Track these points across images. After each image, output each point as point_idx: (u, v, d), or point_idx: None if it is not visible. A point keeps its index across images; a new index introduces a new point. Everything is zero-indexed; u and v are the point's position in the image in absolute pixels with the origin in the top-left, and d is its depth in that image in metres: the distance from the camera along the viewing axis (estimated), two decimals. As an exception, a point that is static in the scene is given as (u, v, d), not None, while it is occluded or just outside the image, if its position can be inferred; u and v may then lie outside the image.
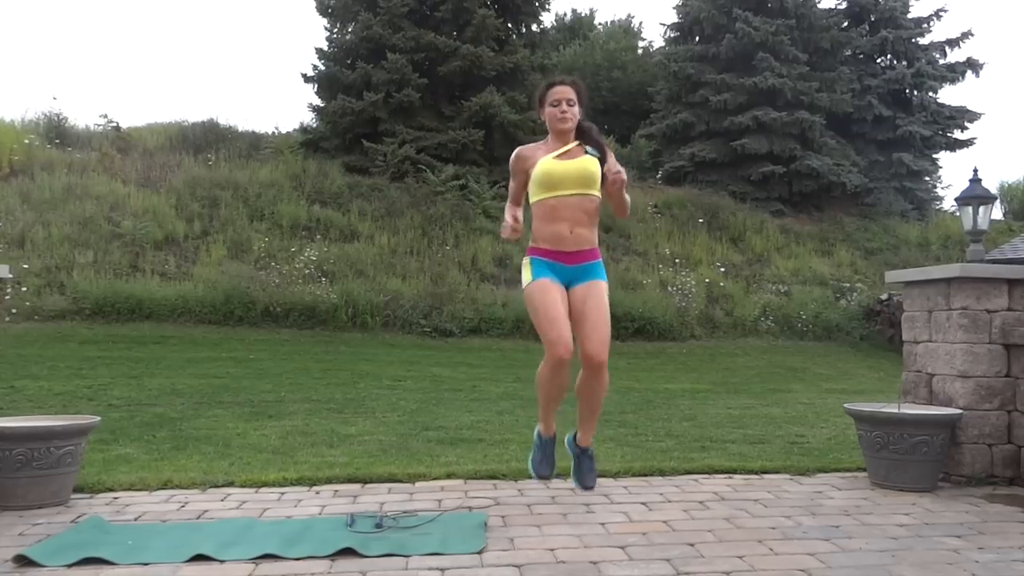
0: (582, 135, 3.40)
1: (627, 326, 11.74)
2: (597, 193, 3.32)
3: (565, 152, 3.34)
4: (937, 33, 34.45)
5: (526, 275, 3.32)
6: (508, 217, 3.32)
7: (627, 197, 3.37)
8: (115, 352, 8.85)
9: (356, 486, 3.76)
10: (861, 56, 20.03)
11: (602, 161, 3.33)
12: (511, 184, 3.46)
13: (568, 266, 3.29)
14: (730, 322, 12.78)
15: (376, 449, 4.83)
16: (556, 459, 3.57)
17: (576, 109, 3.36)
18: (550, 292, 3.23)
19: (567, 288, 3.30)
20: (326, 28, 16.99)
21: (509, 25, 16.86)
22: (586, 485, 3.47)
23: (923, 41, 19.96)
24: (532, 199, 3.36)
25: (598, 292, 3.31)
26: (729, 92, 17.96)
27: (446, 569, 2.58)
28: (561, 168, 3.28)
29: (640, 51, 25.85)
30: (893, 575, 2.55)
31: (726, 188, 17.71)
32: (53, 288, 10.52)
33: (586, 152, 3.34)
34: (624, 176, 3.27)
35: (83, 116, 39.54)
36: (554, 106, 3.35)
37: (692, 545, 2.83)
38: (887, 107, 19.07)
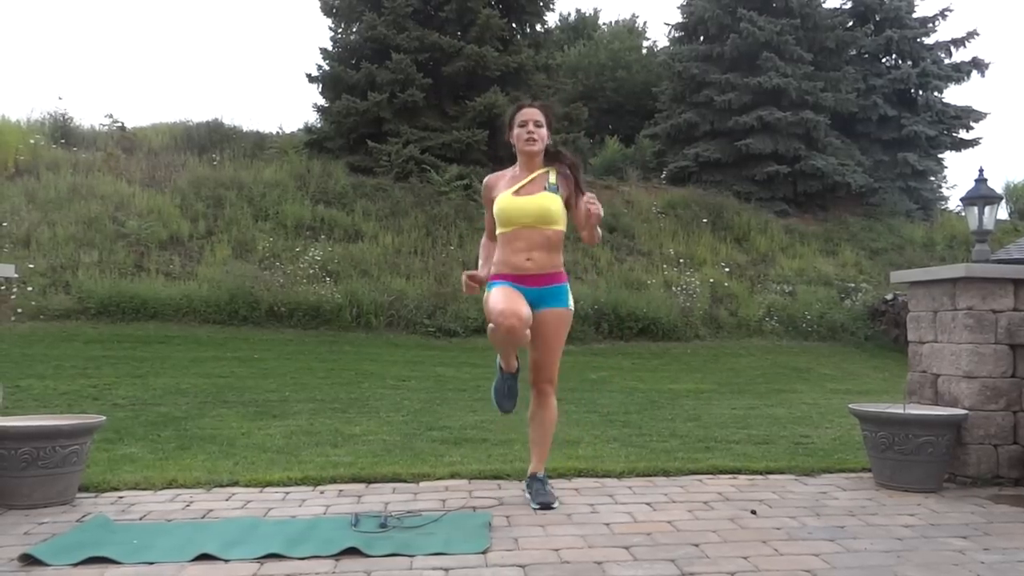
0: (552, 158, 3.45)
1: (631, 326, 11.75)
2: (557, 227, 3.36)
3: (526, 185, 3.38)
4: (942, 33, 34.31)
5: (485, 295, 3.37)
6: (464, 278, 3.44)
7: (598, 230, 3.34)
8: (120, 351, 8.87)
9: (360, 486, 3.77)
10: (866, 56, 19.98)
11: (578, 186, 3.38)
12: (486, 214, 3.52)
13: (529, 288, 3.33)
14: (734, 322, 12.76)
15: (380, 449, 4.83)
16: (519, 392, 3.61)
17: (543, 131, 3.42)
18: (504, 288, 3.29)
19: None
20: (330, 28, 17.03)
21: (513, 25, 16.87)
22: (541, 502, 3.30)
23: (928, 41, 19.90)
24: (496, 230, 3.44)
25: (551, 322, 3.36)
26: (733, 92, 17.94)
27: (450, 569, 2.58)
28: (517, 205, 3.33)
29: (644, 51, 25.81)
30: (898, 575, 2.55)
31: (730, 188, 17.68)
32: (58, 288, 10.55)
33: (546, 187, 3.36)
34: (601, 212, 3.21)
35: (88, 116, 39.76)
36: (521, 127, 3.42)
37: (697, 545, 2.83)
38: (892, 107, 19.02)
